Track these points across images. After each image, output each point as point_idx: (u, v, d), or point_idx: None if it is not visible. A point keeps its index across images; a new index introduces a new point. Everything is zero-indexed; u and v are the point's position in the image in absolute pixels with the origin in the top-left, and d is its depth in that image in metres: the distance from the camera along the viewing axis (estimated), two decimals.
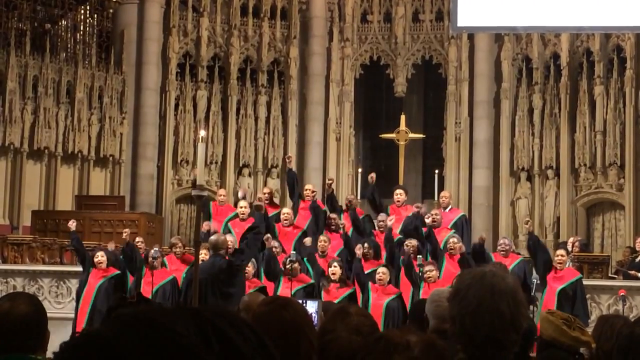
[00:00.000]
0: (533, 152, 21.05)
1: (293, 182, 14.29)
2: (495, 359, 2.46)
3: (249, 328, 1.15)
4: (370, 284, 11.61)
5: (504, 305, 2.44)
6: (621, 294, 12.01)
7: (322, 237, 12.61)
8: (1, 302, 3.14)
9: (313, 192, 13.70)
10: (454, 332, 2.46)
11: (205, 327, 1.12)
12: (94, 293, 12.22)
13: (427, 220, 12.75)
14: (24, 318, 3.04)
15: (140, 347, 1.09)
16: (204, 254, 10.70)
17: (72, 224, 12.92)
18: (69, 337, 12.37)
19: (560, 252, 12.27)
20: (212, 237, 10.38)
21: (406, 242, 12.13)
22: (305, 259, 12.36)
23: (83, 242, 13.34)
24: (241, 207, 13.50)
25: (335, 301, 10.48)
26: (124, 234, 12.80)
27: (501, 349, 2.47)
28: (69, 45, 21.59)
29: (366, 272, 11.91)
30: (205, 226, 12.52)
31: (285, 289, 11.30)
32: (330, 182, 14.74)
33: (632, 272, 14.48)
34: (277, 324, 3.17)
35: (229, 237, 11.02)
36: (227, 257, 10.28)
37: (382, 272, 11.57)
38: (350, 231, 13.13)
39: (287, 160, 15.19)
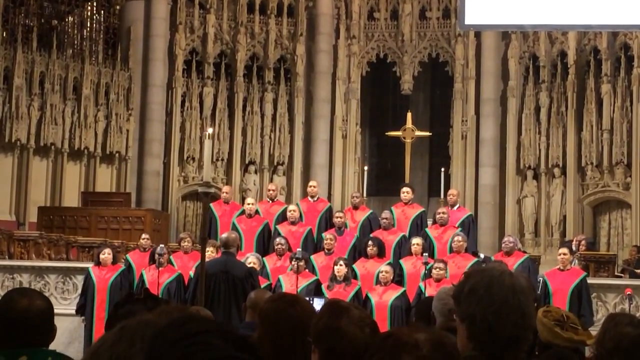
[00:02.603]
0: (539, 150, 20.98)
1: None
2: (515, 358, 2.47)
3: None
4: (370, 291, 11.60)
5: (524, 304, 2.46)
6: (627, 292, 11.97)
7: (328, 235, 12.60)
8: (17, 298, 3.18)
9: (322, 200, 13.63)
10: (474, 331, 2.45)
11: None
12: (109, 288, 12.22)
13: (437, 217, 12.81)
14: (41, 314, 3.14)
15: None
16: (210, 252, 10.70)
17: None
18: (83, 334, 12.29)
19: (563, 250, 12.21)
20: (223, 235, 10.38)
21: (413, 242, 12.15)
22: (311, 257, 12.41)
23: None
24: (248, 204, 13.50)
25: (347, 300, 10.47)
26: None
27: (519, 347, 2.47)
28: (75, 42, 21.60)
29: (375, 271, 11.94)
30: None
31: (290, 287, 11.30)
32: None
33: (639, 270, 14.45)
34: (284, 321, 3.17)
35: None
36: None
37: (385, 271, 11.54)
38: (358, 228, 13.14)
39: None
